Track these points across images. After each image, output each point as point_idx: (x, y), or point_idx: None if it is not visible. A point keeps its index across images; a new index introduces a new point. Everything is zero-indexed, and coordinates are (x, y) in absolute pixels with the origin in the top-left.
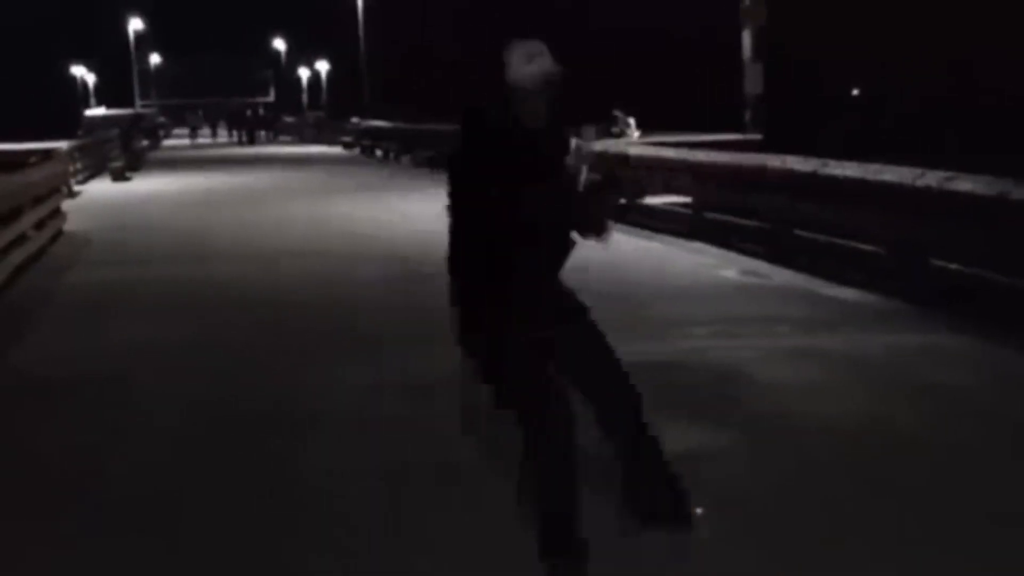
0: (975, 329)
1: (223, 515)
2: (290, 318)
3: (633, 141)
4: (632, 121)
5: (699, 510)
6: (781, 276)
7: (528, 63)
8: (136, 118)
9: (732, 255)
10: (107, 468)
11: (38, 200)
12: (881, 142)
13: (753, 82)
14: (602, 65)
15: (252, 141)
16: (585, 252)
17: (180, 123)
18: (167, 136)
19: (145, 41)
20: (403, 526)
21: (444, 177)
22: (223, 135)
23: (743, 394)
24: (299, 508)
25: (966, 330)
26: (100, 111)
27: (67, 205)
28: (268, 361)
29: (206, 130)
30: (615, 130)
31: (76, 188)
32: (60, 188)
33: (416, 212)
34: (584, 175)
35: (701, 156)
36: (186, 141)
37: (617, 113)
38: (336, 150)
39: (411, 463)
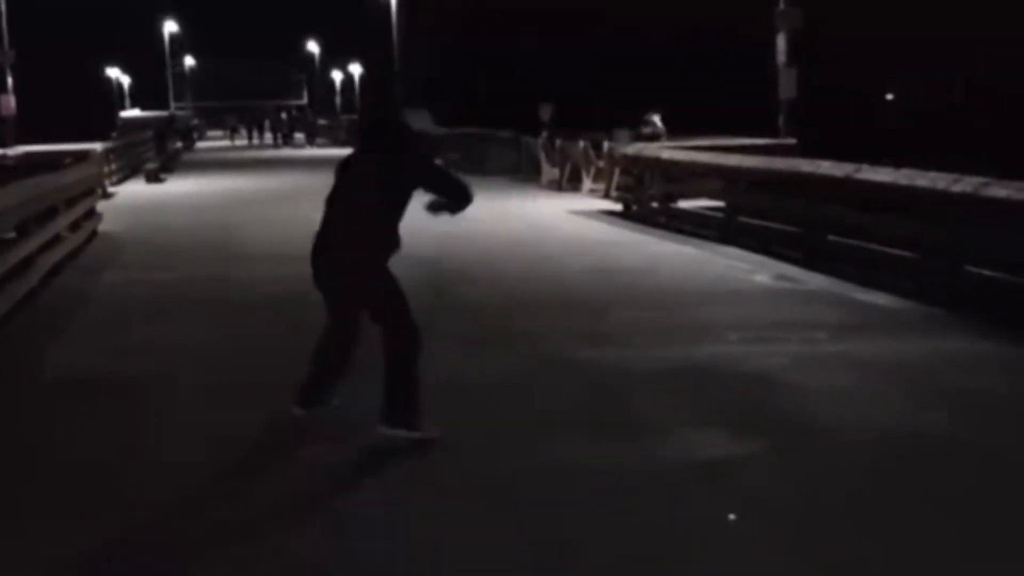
0: (1008, 335)
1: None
2: (318, 319)
3: (666, 144)
4: (663, 127)
5: (731, 516)
6: (814, 281)
7: None
8: (170, 120)
9: (765, 259)
10: (129, 471)
11: (72, 201)
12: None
13: (787, 86)
14: (625, 67)
15: (287, 143)
16: (618, 255)
17: (215, 125)
18: (201, 138)
19: (179, 44)
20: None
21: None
22: (255, 137)
23: (776, 400)
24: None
25: (999, 336)
26: (135, 113)
27: (102, 206)
28: (295, 364)
29: (244, 131)
30: (647, 131)
31: (111, 189)
32: (95, 189)
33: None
34: None
35: (733, 160)
36: (219, 143)
37: (652, 116)
38: None
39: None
